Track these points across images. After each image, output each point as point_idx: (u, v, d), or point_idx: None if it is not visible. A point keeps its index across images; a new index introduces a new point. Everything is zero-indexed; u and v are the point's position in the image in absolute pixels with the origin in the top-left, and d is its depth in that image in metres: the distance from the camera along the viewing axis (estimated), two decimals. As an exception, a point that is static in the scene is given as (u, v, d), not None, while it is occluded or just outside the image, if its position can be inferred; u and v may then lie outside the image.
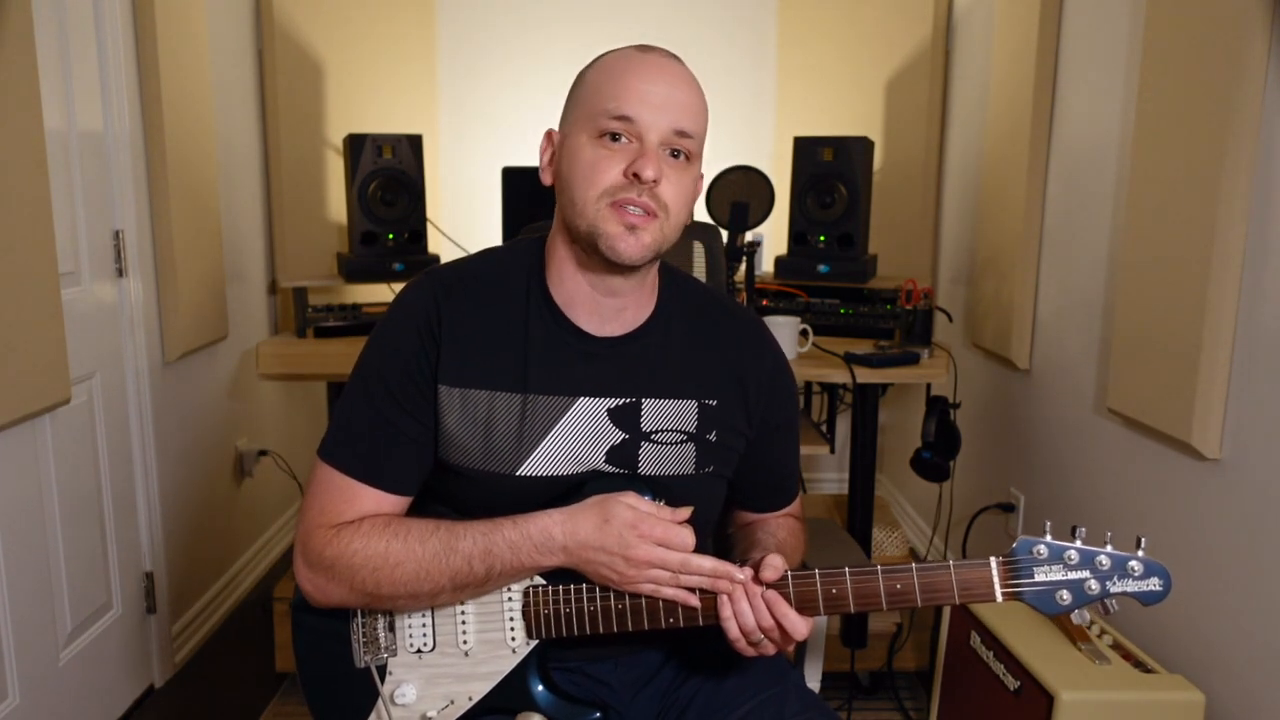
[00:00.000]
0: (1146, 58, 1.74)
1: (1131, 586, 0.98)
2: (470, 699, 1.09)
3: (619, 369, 1.09)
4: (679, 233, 1.06)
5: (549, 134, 1.10)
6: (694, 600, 1.03)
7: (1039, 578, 0.99)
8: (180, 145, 2.28)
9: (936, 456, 2.34)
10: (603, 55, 1.07)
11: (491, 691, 1.09)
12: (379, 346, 1.09)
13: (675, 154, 1.02)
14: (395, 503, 1.08)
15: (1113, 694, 1.51)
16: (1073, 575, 0.98)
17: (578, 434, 1.08)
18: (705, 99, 1.07)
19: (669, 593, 1.03)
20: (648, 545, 1.01)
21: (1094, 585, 0.98)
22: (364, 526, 1.05)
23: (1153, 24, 1.73)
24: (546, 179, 1.10)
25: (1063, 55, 2.18)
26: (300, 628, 1.16)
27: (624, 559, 1.01)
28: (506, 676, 1.09)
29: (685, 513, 1.05)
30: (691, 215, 1.09)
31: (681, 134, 1.01)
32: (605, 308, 1.08)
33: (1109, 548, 0.99)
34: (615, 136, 1.01)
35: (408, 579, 1.03)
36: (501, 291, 1.10)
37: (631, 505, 1.02)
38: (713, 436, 1.12)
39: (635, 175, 0.99)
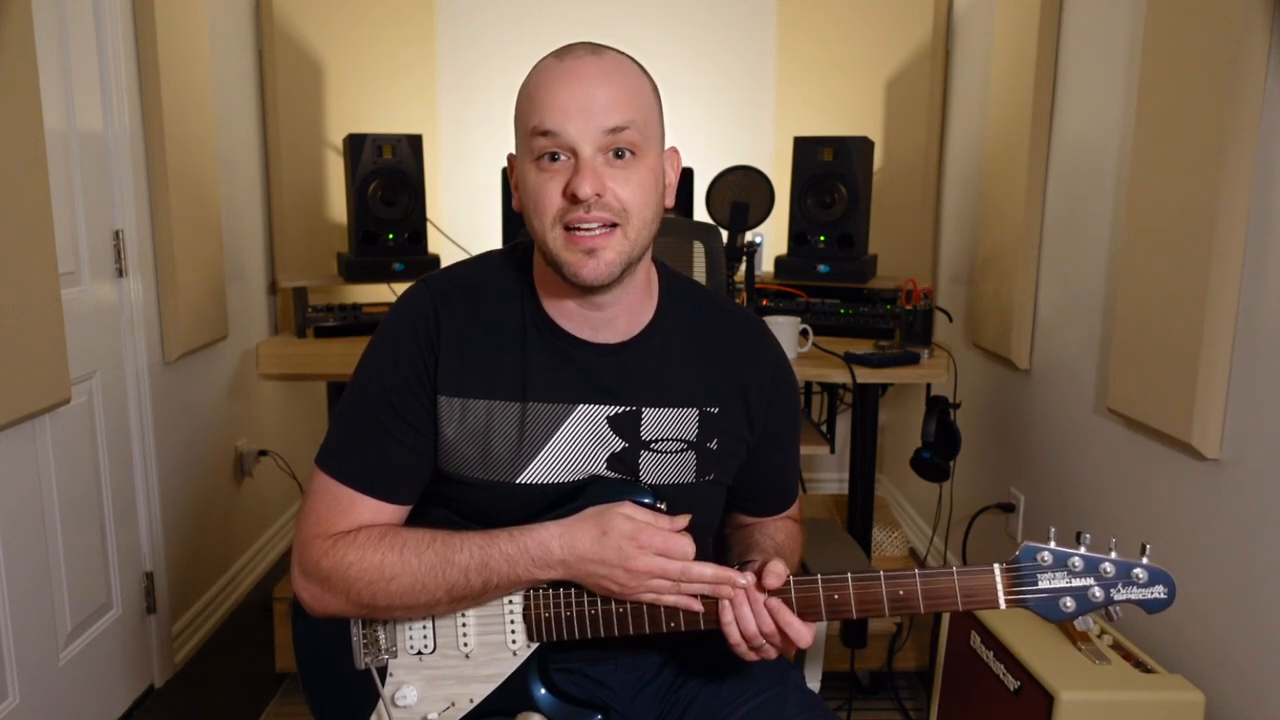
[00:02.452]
0: (1146, 57, 1.74)
1: (1136, 594, 0.97)
2: (471, 701, 1.09)
3: (618, 376, 1.08)
4: (652, 228, 1.03)
5: (510, 159, 1.07)
6: (697, 605, 1.03)
7: (1043, 585, 0.98)
8: (180, 145, 2.28)
9: (936, 456, 2.34)
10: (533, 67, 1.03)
11: (492, 693, 1.09)
12: (377, 354, 1.08)
13: (619, 154, 0.98)
14: (393, 512, 1.08)
15: (1113, 694, 1.51)
16: (1077, 582, 0.97)
17: (578, 441, 1.07)
18: (641, 78, 1.02)
19: (670, 600, 1.03)
20: (648, 556, 1.00)
21: (1098, 593, 0.97)
22: (360, 538, 1.04)
23: (1153, 24, 1.73)
24: (517, 204, 1.06)
25: (1063, 55, 2.18)
26: (300, 629, 1.16)
27: (624, 570, 1.00)
28: (508, 679, 1.09)
29: (684, 520, 1.04)
30: (666, 201, 1.05)
31: (616, 131, 0.97)
32: (594, 320, 1.07)
33: (1113, 554, 0.97)
34: (553, 156, 0.97)
35: (404, 591, 1.02)
36: (499, 299, 1.09)
37: (629, 516, 1.01)
38: (714, 445, 1.11)
39: (572, 196, 0.96)
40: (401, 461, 1.07)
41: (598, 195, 0.96)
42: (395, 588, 1.02)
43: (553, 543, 1.01)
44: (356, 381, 1.09)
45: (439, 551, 1.02)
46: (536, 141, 0.98)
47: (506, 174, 2.52)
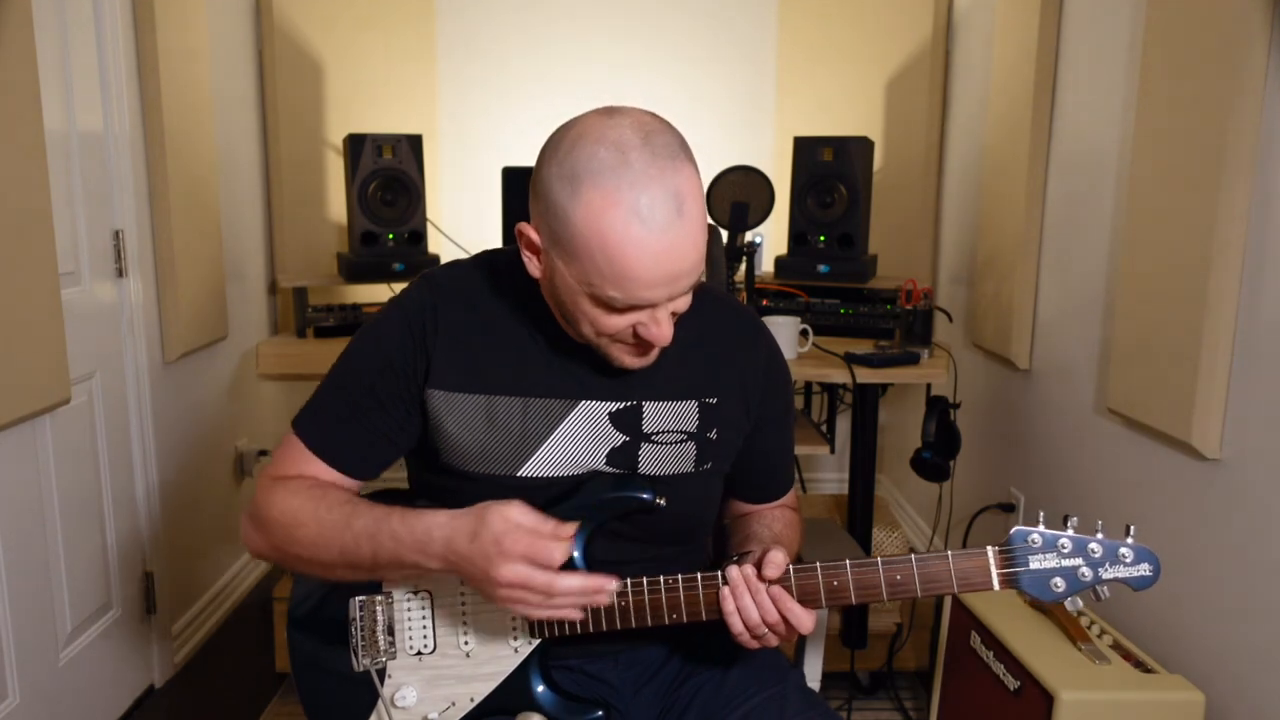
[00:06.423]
0: (1146, 58, 1.74)
1: (1123, 572, 1.00)
2: (472, 700, 1.09)
3: (619, 373, 1.08)
4: None
5: (525, 236, 0.99)
6: (576, 615, 0.99)
7: (1034, 565, 1.01)
8: (180, 145, 2.28)
9: (936, 456, 2.34)
10: (586, 186, 0.90)
11: (493, 692, 1.09)
12: (368, 337, 1.11)
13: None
14: (347, 483, 1.10)
15: (1113, 694, 1.51)
16: (1066, 562, 1.00)
17: (579, 437, 1.08)
18: (706, 214, 0.98)
19: (542, 614, 0.98)
20: (511, 563, 0.93)
21: (1086, 572, 1.00)
22: (293, 484, 1.07)
23: (1153, 24, 1.73)
24: (534, 272, 1.02)
25: (1063, 55, 2.18)
26: (295, 633, 1.16)
27: (487, 578, 0.95)
28: (508, 677, 1.09)
29: (571, 528, 0.98)
30: None
31: (690, 286, 0.97)
32: None
33: (1100, 535, 1.01)
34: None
35: (307, 542, 1.03)
36: (499, 297, 1.10)
37: (506, 516, 0.95)
38: (713, 434, 1.12)
39: (645, 340, 0.98)
40: (365, 439, 1.09)
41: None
42: (300, 535, 1.03)
43: (435, 532, 0.98)
44: (344, 358, 1.12)
45: (345, 512, 1.02)
46: (611, 300, 0.94)
47: (505, 179, 2.54)
